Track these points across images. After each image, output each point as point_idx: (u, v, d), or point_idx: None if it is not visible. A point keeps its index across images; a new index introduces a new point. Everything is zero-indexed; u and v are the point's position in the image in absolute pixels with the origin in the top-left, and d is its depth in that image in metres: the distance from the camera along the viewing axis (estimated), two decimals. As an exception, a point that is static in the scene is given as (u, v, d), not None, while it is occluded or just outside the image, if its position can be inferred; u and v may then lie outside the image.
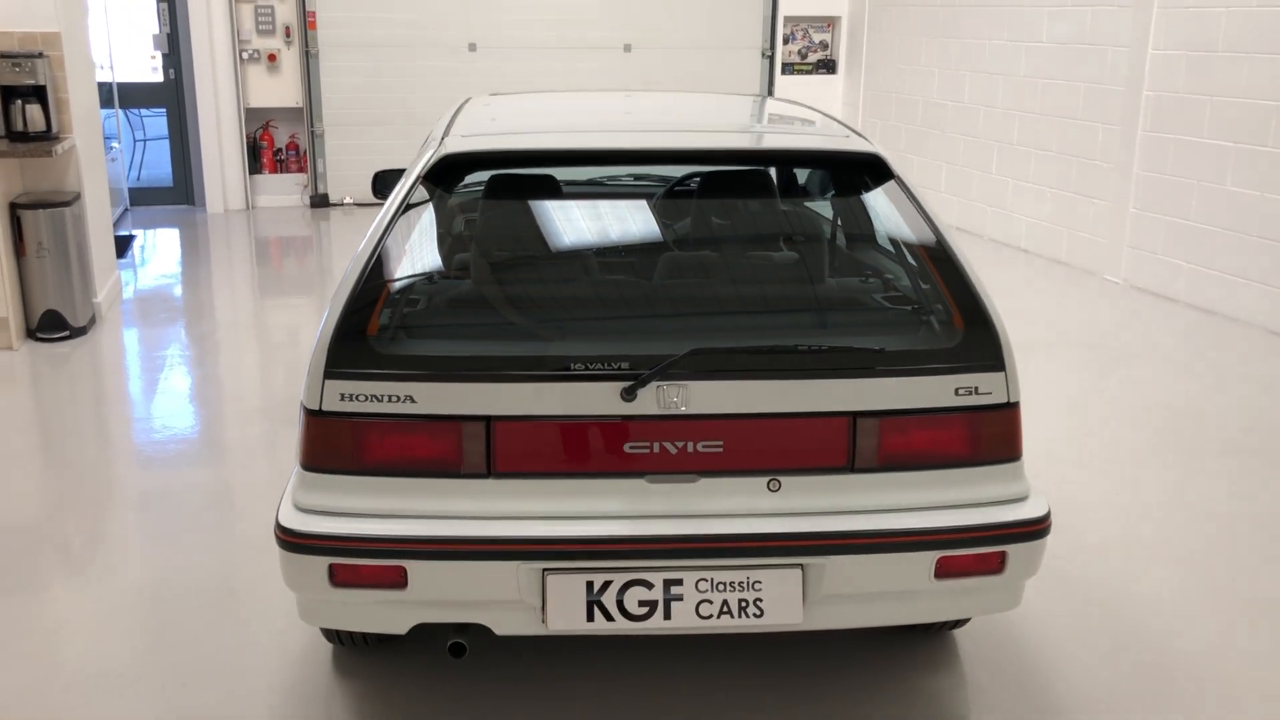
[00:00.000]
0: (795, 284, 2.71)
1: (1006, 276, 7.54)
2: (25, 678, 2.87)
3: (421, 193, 2.58)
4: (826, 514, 2.42)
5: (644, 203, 3.00)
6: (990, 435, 2.48)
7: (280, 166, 9.95)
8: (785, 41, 10.87)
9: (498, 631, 2.44)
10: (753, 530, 2.38)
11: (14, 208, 5.62)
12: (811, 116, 3.17)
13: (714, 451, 2.40)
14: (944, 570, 2.43)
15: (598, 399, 2.35)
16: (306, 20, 9.57)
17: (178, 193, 10.00)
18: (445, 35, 9.97)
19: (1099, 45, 7.45)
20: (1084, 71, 7.62)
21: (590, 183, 3.25)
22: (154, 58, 9.60)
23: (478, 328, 2.52)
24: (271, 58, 9.57)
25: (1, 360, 5.53)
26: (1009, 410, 2.48)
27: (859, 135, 2.82)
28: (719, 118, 3.11)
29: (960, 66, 9.05)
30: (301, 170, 9.98)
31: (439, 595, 2.37)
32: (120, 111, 10.10)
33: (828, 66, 11.02)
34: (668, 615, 2.39)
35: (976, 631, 3.12)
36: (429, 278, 2.54)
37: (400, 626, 2.45)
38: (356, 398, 2.36)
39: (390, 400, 2.35)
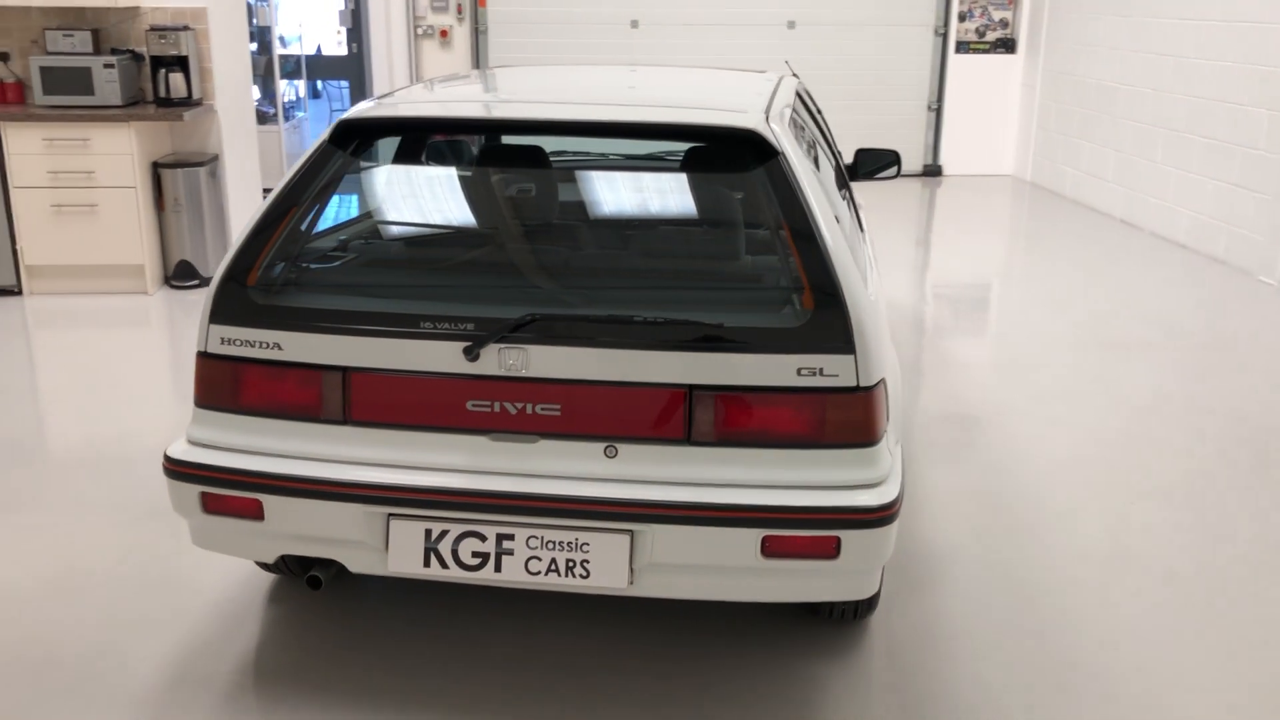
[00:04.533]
0: (656, 256, 2.73)
1: (1153, 274, 7.07)
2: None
3: (323, 157, 2.77)
4: (659, 483, 2.45)
5: (539, 173, 3.07)
6: (836, 418, 2.43)
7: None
8: (961, 19, 10.47)
9: (351, 569, 2.61)
10: (582, 493, 2.44)
11: (156, 166, 6.23)
12: (754, 93, 3.10)
13: (552, 415, 2.47)
14: (772, 550, 2.41)
15: (444, 357, 2.47)
16: (477, -3, 10.01)
17: (357, 160, 10.68)
18: (608, 12, 10.18)
19: (1273, 24, 6.84)
20: (1253, 52, 7.01)
21: (518, 156, 3.34)
22: (339, 33, 10.28)
23: (344, 284, 2.69)
24: (444, 34, 10.07)
25: (138, 304, 6.16)
26: (858, 394, 2.42)
27: (767, 113, 2.77)
28: (649, 92, 3.13)
29: (1130, 46, 8.49)
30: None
31: (292, 530, 2.56)
32: (318, 83, 10.90)
33: (1006, 46, 10.55)
34: (498, 568, 2.49)
35: (891, 626, 3.04)
36: (309, 237, 2.72)
37: (267, 556, 2.66)
38: (235, 342, 2.57)
39: (261, 347, 2.56)
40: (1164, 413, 4.66)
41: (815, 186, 2.62)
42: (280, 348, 2.54)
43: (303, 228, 2.68)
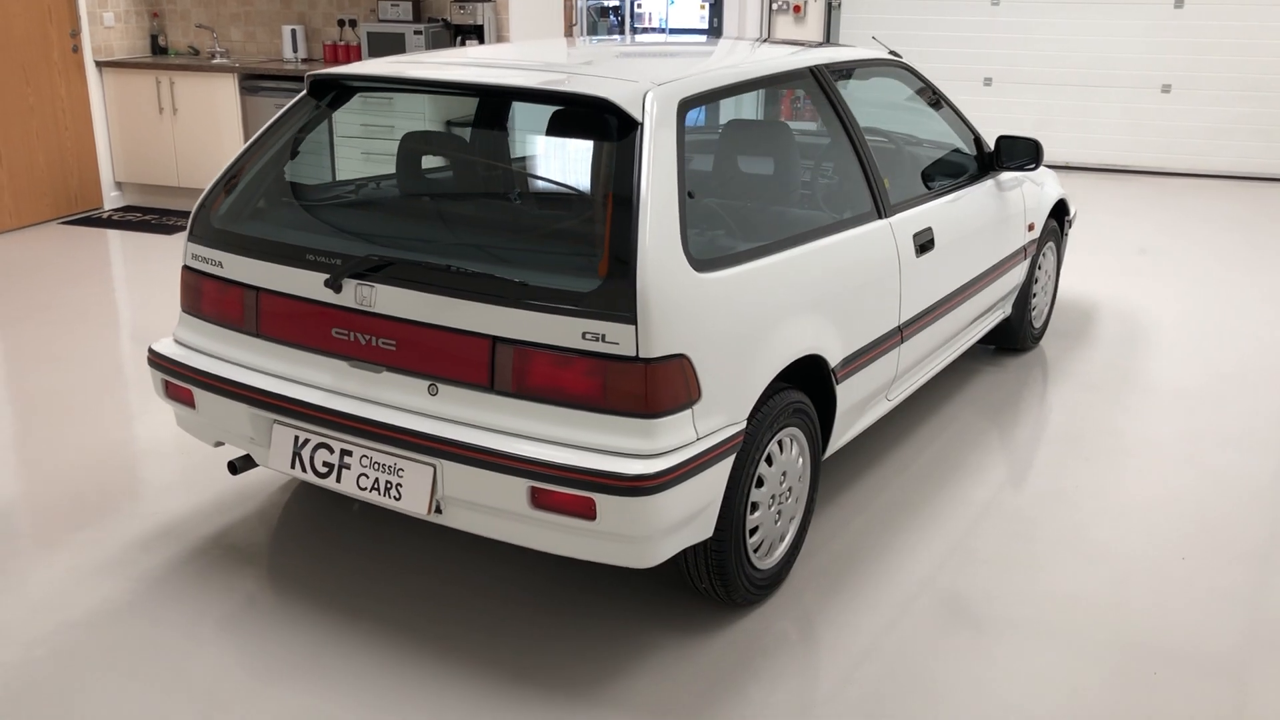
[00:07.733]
0: (502, 213, 2.84)
1: None
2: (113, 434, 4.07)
3: (296, 107, 3.18)
4: (465, 425, 2.61)
5: (453, 132, 3.27)
6: (616, 386, 2.45)
7: (794, 114, 10.55)
8: (1407, -2, 8.79)
9: (256, 460, 3.03)
10: (397, 423, 2.67)
11: (449, 124, 7.04)
12: (692, 65, 3.03)
13: (389, 350, 2.71)
14: (540, 502, 2.49)
15: (317, 286, 2.80)
16: (833, -27, 9.99)
17: (710, 130, 11.13)
18: (967, -12, 9.73)
19: None
20: None
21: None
22: (702, 8, 10.73)
23: (271, 217, 3.08)
24: (797, 9, 10.17)
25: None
26: (637, 365, 2.42)
27: (663, 84, 2.74)
28: (586, 63, 3.17)
29: None
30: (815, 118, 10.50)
31: (213, 421, 3.03)
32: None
33: None
34: (339, 479, 2.78)
35: (770, 621, 2.94)
36: (264, 174, 3.13)
37: (208, 440, 3.15)
38: (198, 259, 3.07)
39: (211, 264, 3.03)
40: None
41: (666, 161, 2.59)
42: (221, 266, 3.01)
43: (260, 167, 3.12)
